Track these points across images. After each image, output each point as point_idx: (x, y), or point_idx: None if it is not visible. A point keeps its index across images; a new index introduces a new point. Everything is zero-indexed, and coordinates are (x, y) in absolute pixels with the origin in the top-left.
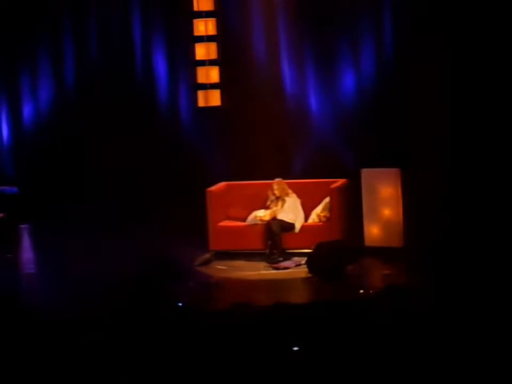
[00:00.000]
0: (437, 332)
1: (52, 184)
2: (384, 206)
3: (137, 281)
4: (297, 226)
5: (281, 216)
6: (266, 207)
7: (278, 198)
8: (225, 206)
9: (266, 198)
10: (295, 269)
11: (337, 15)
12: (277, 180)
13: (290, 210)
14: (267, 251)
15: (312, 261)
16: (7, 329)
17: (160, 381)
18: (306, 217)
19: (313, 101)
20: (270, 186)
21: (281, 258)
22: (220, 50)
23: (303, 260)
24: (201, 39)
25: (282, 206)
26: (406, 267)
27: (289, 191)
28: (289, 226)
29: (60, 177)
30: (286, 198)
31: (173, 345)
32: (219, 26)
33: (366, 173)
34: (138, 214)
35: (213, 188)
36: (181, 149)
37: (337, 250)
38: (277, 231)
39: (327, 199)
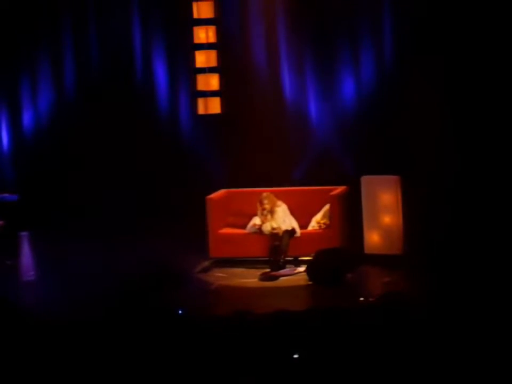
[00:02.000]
0: (436, 339)
1: (52, 191)
2: (384, 213)
3: (137, 289)
4: (298, 230)
5: (278, 227)
6: (262, 222)
7: (267, 211)
8: (225, 214)
9: (255, 207)
10: (295, 276)
11: (337, 22)
12: (264, 194)
13: (284, 218)
14: (272, 259)
15: (312, 268)
16: (7, 336)
17: None
18: (306, 225)
19: (313, 108)
20: (259, 201)
21: (287, 266)
22: (220, 57)
23: (303, 267)
24: (201, 46)
25: (272, 217)
26: (405, 274)
27: (277, 200)
28: (292, 233)
29: (60, 185)
30: (276, 209)
31: (173, 353)
32: (219, 33)
33: (366, 180)
34: (139, 221)
35: (213, 195)
36: (181, 156)
37: (337, 258)
38: (286, 242)
39: (327, 206)
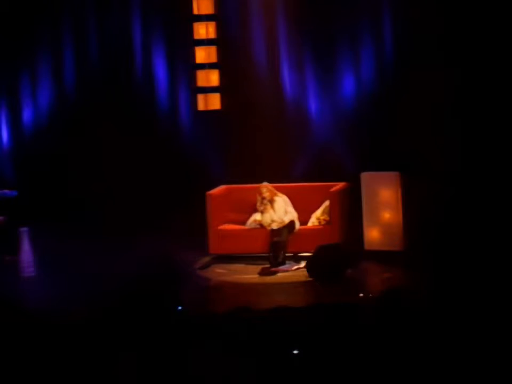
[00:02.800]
0: (437, 336)
1: (52, 187)
2: (384, 209)
3: (137, 285)
4: (297, 224)
5: (278, 218)
6: (261, 212)
7: (267, 200)
8: (225, 210)
9: (255, 203)
10: (295, 272)
11: (337, 19)
12: (263, 183)
13: (286, 208)
14: (272, 256)
15: (311, 265)
16: (7, 333)
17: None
18: (306, 221)
19: (313, 105)
20: (257, 191)
21: (287, 262)
22: (220, 53)
23: (303, 264)
24: (201, 42)
25: (272, 207)
26: (406, 271)
27: (277, 192)
28: (291, 227)
29: (60, 181)
30: (276, 198)
31: (172, 349)
32: (219, 29)
33: (366, 176)
34: (138, 217)
35: (213, 191)
36: (181, 152)
37: (337, 254)
38: (285, 237)
39: (327, 203)
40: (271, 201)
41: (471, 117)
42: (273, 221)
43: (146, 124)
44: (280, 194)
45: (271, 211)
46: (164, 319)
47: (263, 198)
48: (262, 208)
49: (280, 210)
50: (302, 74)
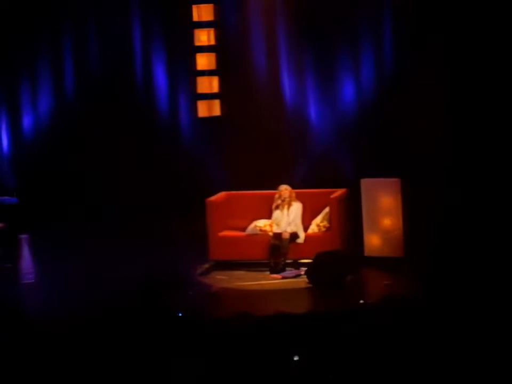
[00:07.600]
0: (436, 341)
1: (52, 194)
2: (384, 216)
3: (138, 291)
4: (301, 236)
5: (285, 224)
6: (276, 207)
7: (284, 201)
8: (225, 216)
9: (272, 202)
10: (295, 279)
11: (337, 25)
12: (285, 186)
13: (295, 219)
14: (272, 262)
15: (312, 271)
16: (7, 338)
17: None
18: (306, 227)
19: (313, 111)
20: (278, 192)
21: (287, 268)
22: (220, 60)
23: (303, 270)
24: (201, 49)
25: (288, 209)
26: (406, 277)
27: (295, 198)
28: (294, 237)
29: (60, 188)
30: (293, 203)
31: (173, 355)
32: (219, 36)
33: (366, 182)
34: (138, 224)
35: (213, 198)
36: (181, 159)
37: (337, 260)
38: (286, 245)
39: (327, 209)
40: (289, 204)
41: (471, 124)
42: (280, 223)
43: (147, 130)
44: (297, 201)
45: (285, 211)
46: (163, 325)
47: (280, 195)
48: (279, 201)
49: (291, 215)
50: (302, 81)
